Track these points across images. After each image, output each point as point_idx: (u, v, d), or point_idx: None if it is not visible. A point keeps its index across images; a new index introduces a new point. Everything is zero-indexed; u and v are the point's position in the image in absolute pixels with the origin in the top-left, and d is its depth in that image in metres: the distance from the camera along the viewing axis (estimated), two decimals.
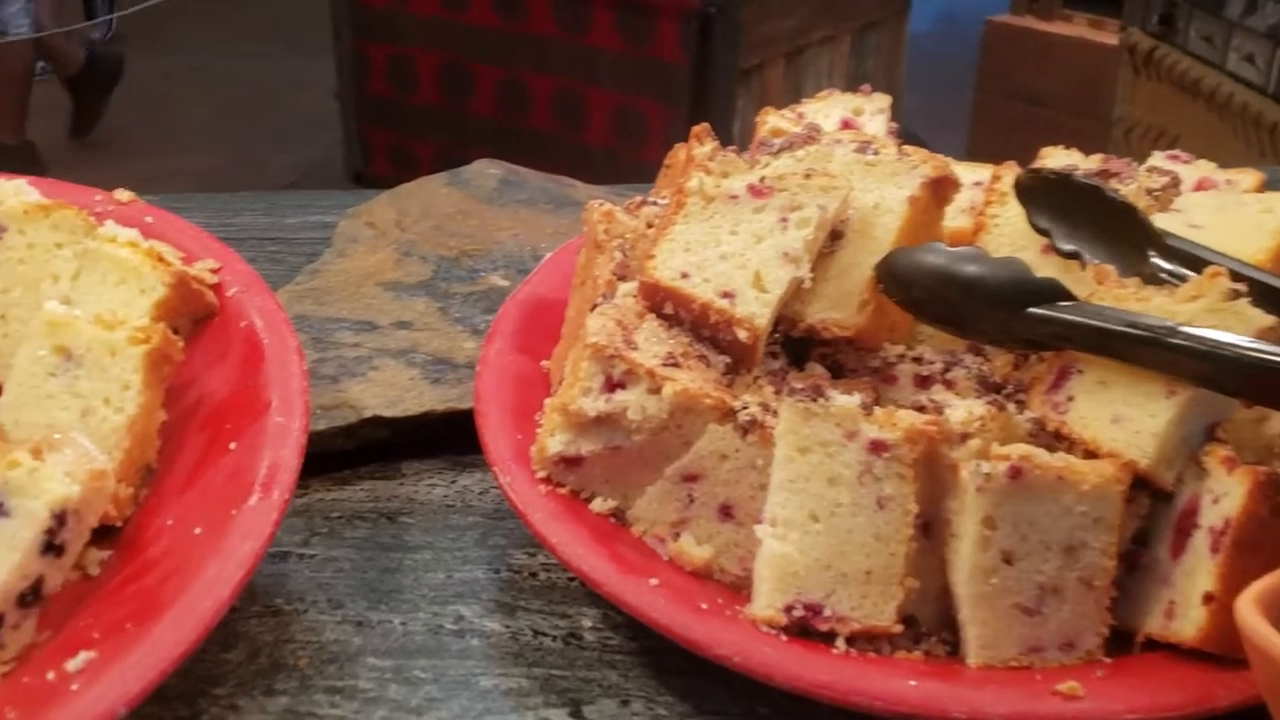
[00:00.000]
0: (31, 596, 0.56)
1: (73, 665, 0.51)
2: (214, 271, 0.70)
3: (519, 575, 0.65)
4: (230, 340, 0.68)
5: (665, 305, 0.61)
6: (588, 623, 0.62)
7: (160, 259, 0.68)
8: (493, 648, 0.60)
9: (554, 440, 0.59)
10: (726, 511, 0.58)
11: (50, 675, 0.52)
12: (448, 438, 0.74)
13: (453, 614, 0.63)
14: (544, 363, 0.70)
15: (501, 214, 0.93)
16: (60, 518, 0.57)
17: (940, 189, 0.64)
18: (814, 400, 0.54)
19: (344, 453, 0.73)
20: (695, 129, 0.69)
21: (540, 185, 0.97)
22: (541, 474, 0.60)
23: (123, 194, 0.76)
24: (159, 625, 0.51)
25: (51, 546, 0.57)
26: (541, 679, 0.58)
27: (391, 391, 0.74)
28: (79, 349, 0.63)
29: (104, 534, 0.60)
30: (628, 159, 2.83)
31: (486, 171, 0.99)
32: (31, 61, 3.46)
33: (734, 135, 2.85)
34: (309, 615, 0.62)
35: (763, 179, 0.62)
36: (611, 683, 0.58)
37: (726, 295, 0.59)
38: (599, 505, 0.60)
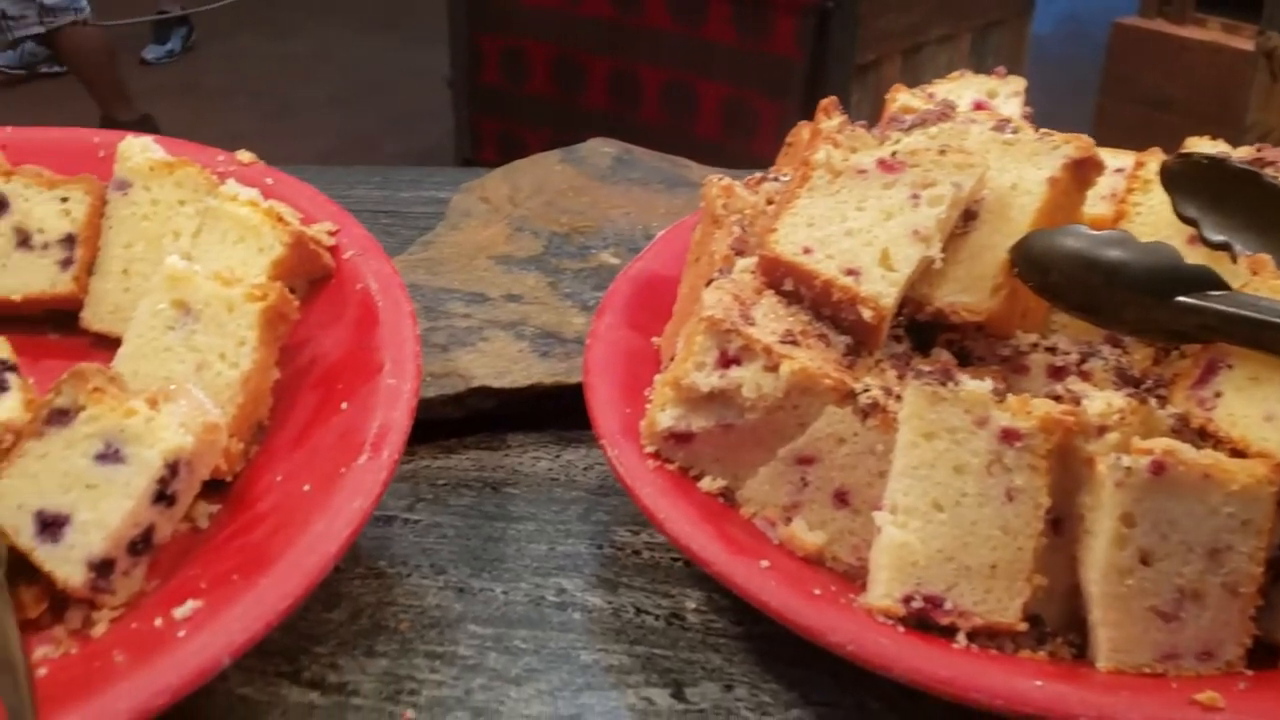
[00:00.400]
0: (142, 544, 0.57)
1: (180, 613, 0.51)
2: (331, 234, 0.70)
3: (622, 552, 0.64)
4: (345, 302, 0.68)
5: (785, 281, 0.59)
6: (691, 604, 0.60)
7: (279, 219, 0.68)
8: (594, 623, 0.59)
9: (664, 415, 0.58)
10: (841, 497, 0.56)
11: (158, 622, 0.52)
12: (553, 412, 0.74)
13: (554, 586, 0.61)
14: (655, 339, 0.68)
15: (614, 192, 0.92)
16: (173, 468, 0.57)
17: (1083, 171, 0.61)
18: (942, 384, 0.52)
19: (450, 421, 0.72)
20: (823, 102, 0.67)
21: (654, 165, 0.96)
22: (650, 449, 0.59)
23: (245, 155, 0.76)
24: (265, 578, 0.51)
25: (163, 496, 0.57)
26: (643, 657, 0.57)
27: (500, 363, 0.73)
28: (197, 304, 0.63)
29: (214, 488, 0.61)
30: (736, 152, 2.80)
31: (600, 150, 0.98)
32: (105, 37, 3.50)
33: None
34: (411, 579, 0.62)
35: (894, 154, 0.59)
36: (715, 666, 0.56)
37: (851, 273, 0.57)
38: (708, 484, 0.58)
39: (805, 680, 0.55)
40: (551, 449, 0.72)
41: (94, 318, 0.71)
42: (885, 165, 0.59)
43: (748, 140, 2.83)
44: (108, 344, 0.71)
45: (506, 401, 0.73)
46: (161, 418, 0.57)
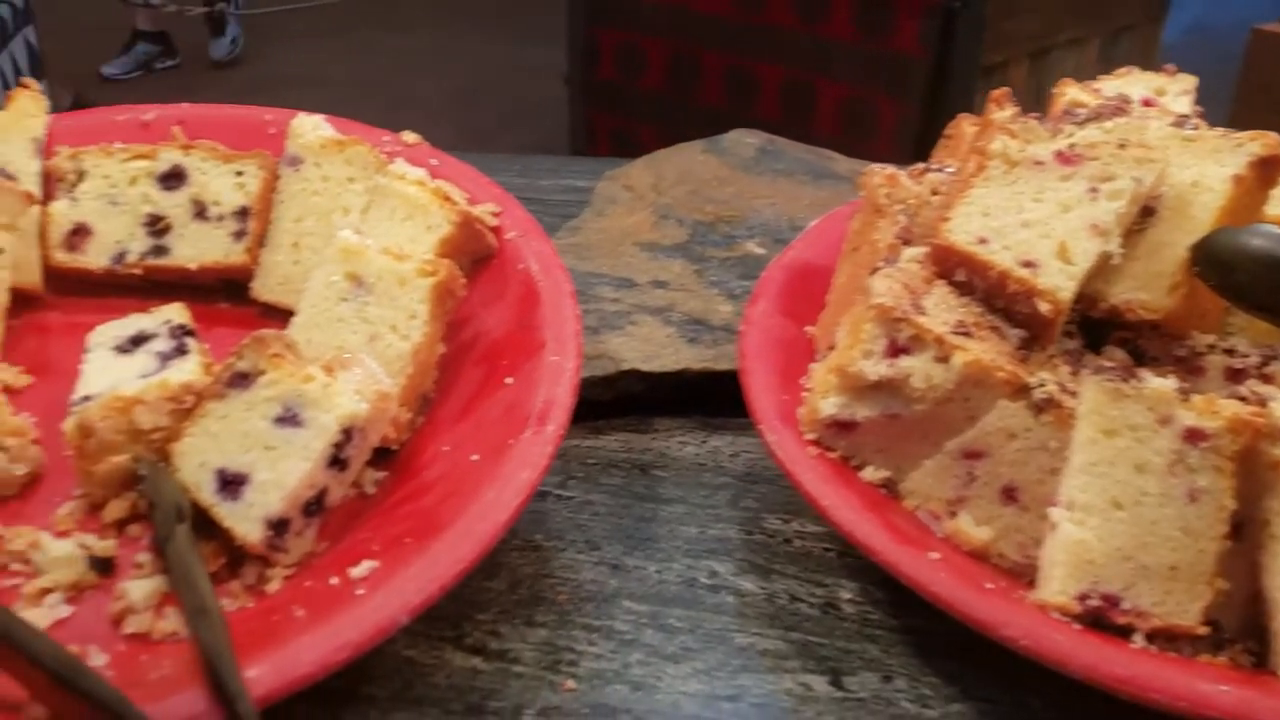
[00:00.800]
0: (315, 506, 0.59)
1: (356, 573, 0.53)
2: (494, 215, 0.72)
3: (772, 539, 0.64)
4: (507, 281, 0.69)
5: (957, 271, 0.58)
6: (846, 594, 0.60)
7: (446, 199, 0.70)
8: (748, 607, 0.59)
9: (827, 403, 0.58)
10: (1010, 494, 0.55)
11: (334, 580, 0.54)
12: (699, 397, 0.74)
13: (706, 569, 0.62)
14: (808, 328, 0.68)
15: (759, 182, 0.92)
16: (348, 433, 0.59)
17: (1269, 169, 0.59)
18: (1125, 381, 0.50)
19: (599, 402, 0.73)
20: (995, 93, 0.66)
21: (799, 156, 0.96)
22: (810, 437, 0.59)
23: (410, 136, 0.78)
24: (438, 543, 0.53)
25: (337, 460, 0.59)
26: (799, 644, 0.57)
27: (649, 347, 0.74)
28: (370, 277, 0.65)
29: (381, 456, 0.62)
30: (854, 152, 2.77)
31: (744, 140, 0.98)
32: None
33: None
34: (567, 554, 0.63)
35: (1072, 146, 0.58)
36: (872, 656, 0.56)
37: (1028, 265, 0.56)
38: (870, 474, 0.58)
39: (964, 674, 0.55)
40: (697, 434, 0.73)
41: (263, 288, 0.74)
42: (1063, 157, 0.58)
43: (867, 140, 2.80)
44: (275, 313, 0.74)
45: (655, 385, 0.73)
46: (337, 384, 0.59)
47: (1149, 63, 3.21)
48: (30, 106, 0.74)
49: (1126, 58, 3.05)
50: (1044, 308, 0.55)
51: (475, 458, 0.58)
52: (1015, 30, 2.78)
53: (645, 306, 0.78)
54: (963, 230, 0.58)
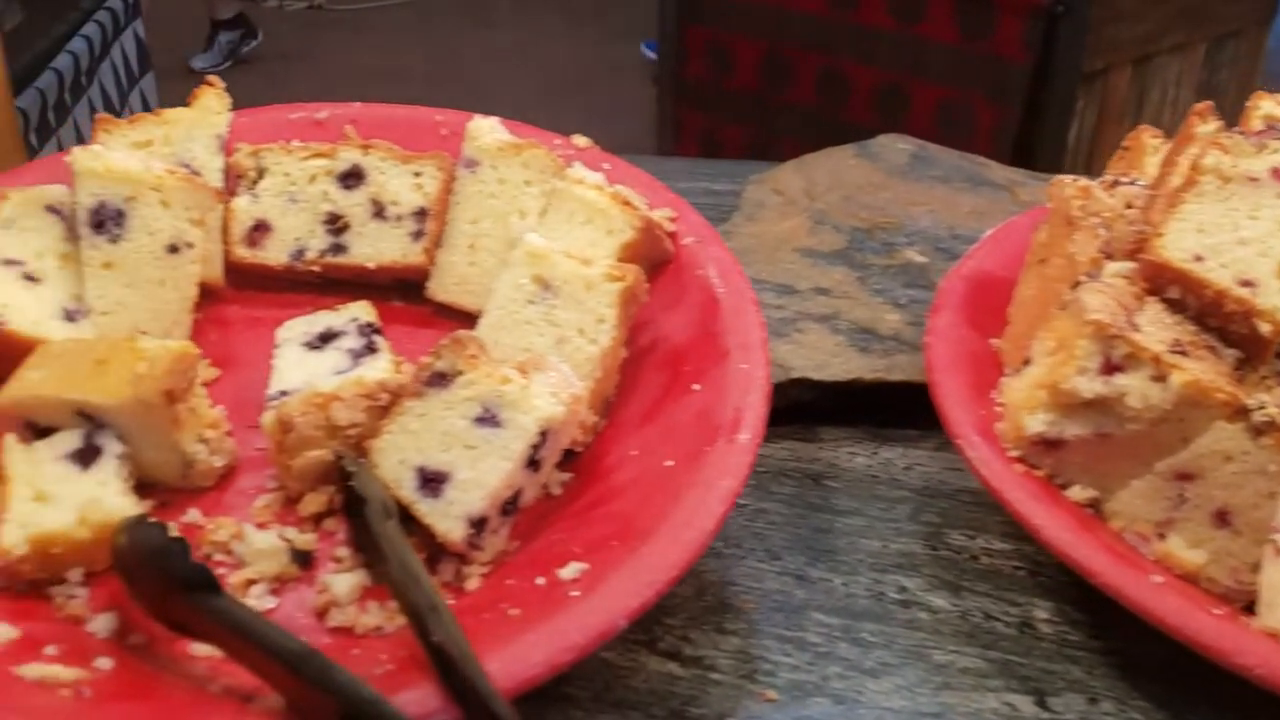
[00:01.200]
0: (511, 506, 0.60)
1: (565, 574, 0.53)
2: (671, 220, 0.72)
3: (959, 555, 0.63)
4: (686, 287, 0.69)
5: (1170, 289, 0.57)
6: (1041, 614, 0.59)
7: (626, 203, 0.70)
8: (942, 624, 0.59)
9: (1035, 419, 0.57)
10: (1222, 517, 0.54)
11: (540, 580, 0.54)
12: (866, 407, 0.74)
13: (894, 583, 0.61)
14: (993, 340, 0.68)
15: (914, 189, 0.91)
16: (544, 435, 0.59)
17: None
18: None
19: None
20: (1198, 106, 0.65)
21: (954, 163, 0.95)
22: (1013, 454, 0.58)
23: (580, 140, 0.79)
24: (647, 547, 0.53)
25: (533, 461, 0.60)
26: (999, 663, 0.56)
27: (818, 355, 0.74)
28: (557, 280, 0.66)
29: (564, 457, 0.63)
30: None
31: (895, 146, 0.97)
32: None
33: (1069, 139, 2.72)
34: (748, 562, 0.63)
35: None
36: (1075, 678, 0.55)
37: (1246, 284, 0.55)
38: (1075, 494, 0.57)
39: (1175, 699, 0.54)
40: (867, 445, 0.72)
41: (439, 288, 0.75)
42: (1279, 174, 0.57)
43: (963, 144, 2.76)
44: (448, 313, 0.75)
45: (825, 394, 0.73)
46: (534, 387, 0.60)
47: (1254, 68, 3.14)
48: (214, 104, 0.75)
49: (1232, 63, 2.98)
50: (1264, 329, 0.54)
51: (669, 464, 0.59)
52: (1119, 35, 2.72)
53: (810, 314, 0.77)
54: (1177, 247, 0.57)
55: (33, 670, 0.49)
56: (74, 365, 0.61)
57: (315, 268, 0.75)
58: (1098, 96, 2.73)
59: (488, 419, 0.59)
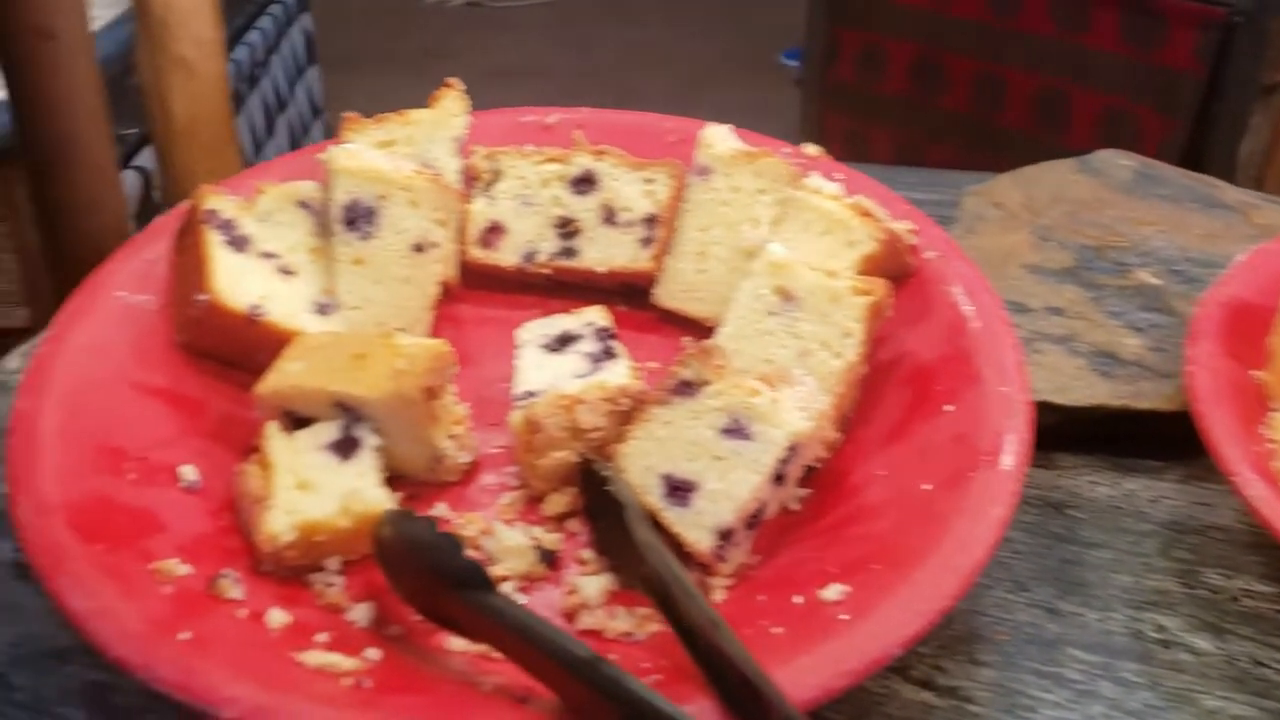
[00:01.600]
0: (755, 519, 0.59)
1: (827, 595, 0.53)
2: (912, 233, 0.70)
3: (1216, 596, 0.61)
4: (930, 303, 0.68)
5: None
6: None
7: (867, 214, 0.69)
8: (1208, 667, 0.56)
9: None
10: None
11: (798, 599, 0.54)
12: (1107, 435, 0.71)
13: (1151, 621, 0.59)
14: (1254, 372, 0.65)
15: (1141, 207, 0.88)
16: (793, 449, 0.59)
17: None
18: None
19: None
20: None
21: (1183, 182, 0.91)
22: None
23: (811, 148, 0.78)
24: (919, 573, 0.52)
25: (779, 476, 0.59)
26: (1273, 713, 0.54)
27: (1059, 378, 0.71)
28: (800, 292, 0.65)
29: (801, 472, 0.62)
30: None
31: (1118, 162, 0.94)
32: None
33: (1240, 154, 2.60)
34: (995, 591, 0.61)
35: None
36: None
37: None
38: None
39: None
40: (1108, 475, 0.69)
41: (666, 295, 0.75)
42: None
43: None
44: (674, 320, 0.75)
45: (1065, 419, 0.70)
46: (784, 400, 0.59)
47: None
48: (454, 106, 0.77)
49: None
50: None
51: (927, 487, 0.57)
52: None
53: (1045, 334, 0.75)
54: None
55: (313, 658, 0.50)
56: (333, 358, 0.62)
57: (545, 270, 0.76)
58: (1274, 111, 2.61)
59: (736, 430, 0.59)
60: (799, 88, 3.56)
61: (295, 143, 2.46)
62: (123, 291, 0.66)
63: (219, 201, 0.67)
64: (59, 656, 0.56)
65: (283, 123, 2.40)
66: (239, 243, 0.67)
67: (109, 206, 0.69)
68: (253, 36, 2.30)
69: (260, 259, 0.68)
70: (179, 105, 0.94)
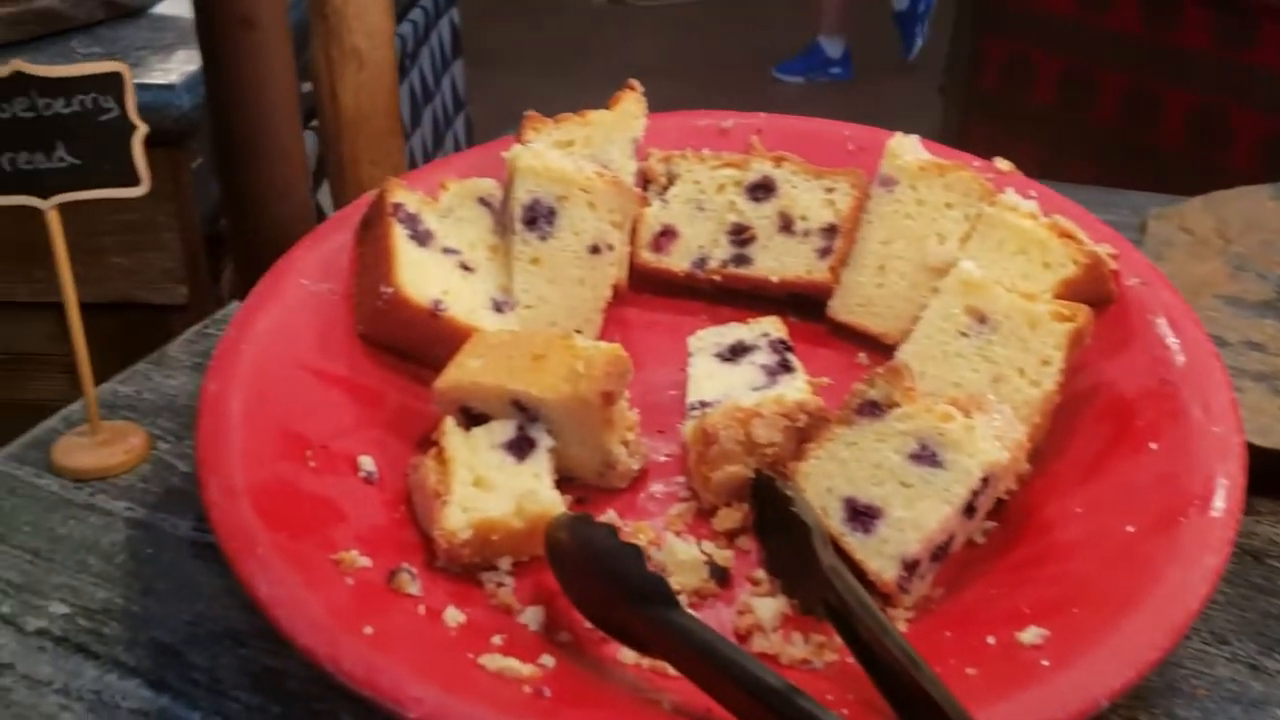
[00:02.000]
0: (942, 551, 0.57)
1: (1025, 638, 0.50)
2: (1112, 257, 0.67)
3: None
4: (1131, 332, 0.64)
5: None
6: None
7: (1068, 235, 0.66)
8: None
9: None
10: None
11: (991, 639, 0.51)
12: None
13: None
14: None
15: None
16: (985, 481, 0.56)
17: None
18: None
19: None
20: None
21: None
22: None
23: (1003, 163, 0.75)
24: (1127, 621, 0.49)
25: (970, 507, 0.57)
26: None
27: (1260, 419, 0.67)
28: (995, 314, 0.62)
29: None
30: None
31: None
32: None
33: None
34: (1192, 643, 0.57)
35: None
36: None
37: None
38: None
39: None
40: None
41: (842, 308, 0.72)
42: None
43: None
44: (846, 334, 0.73)
45: (1267, 462, 0.66)
46: (979, 428, 0.57)
47: None
48: (633, 108, 0.76)
49: None
50: None
51: (1130, 529, 0.54)
52: None
53: (1245, 371, 0.71)
54: None
55: (492, 661, 0.50)
56: (511, 357, 0.62)
57: (716, 277, 0.74)
58: None
59: (925, 457, 0.56)
60: (941, 95, 3.48)
61: (439, 135, 2.50)
62: (306, 279, 0.67)
63: (404, 195, 0.67)
64: (234, 638, 0.57)
65: (428, 114, 2.44)
66: (422, 237, 0.67)
67: (296, 195, 0.70)
68: (404, 29, 2.34)
69: (442, 254, 0.68)
70: (348, 96, 0.96)
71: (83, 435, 0.69)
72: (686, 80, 4.12)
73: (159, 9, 1.36)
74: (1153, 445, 0.58)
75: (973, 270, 0.63)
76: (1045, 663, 0.48)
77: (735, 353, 0.67)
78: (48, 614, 0.58)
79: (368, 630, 0.49)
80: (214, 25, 0.67)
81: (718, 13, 4.83)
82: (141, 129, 0.64)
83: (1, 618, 0.58)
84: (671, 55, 4.49)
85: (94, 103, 0.64)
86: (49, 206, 0.64)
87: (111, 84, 0.63)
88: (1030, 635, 0.50)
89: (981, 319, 0.62)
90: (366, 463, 0.60)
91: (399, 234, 0.65)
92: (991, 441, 0.56)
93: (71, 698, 0.54)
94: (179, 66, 1.16)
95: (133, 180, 0.65)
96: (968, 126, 3.37)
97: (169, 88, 1.10)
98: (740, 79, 4.31)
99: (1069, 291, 0.64)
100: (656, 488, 0.64)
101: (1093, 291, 0.65)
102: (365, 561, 0.54)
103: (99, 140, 0.64)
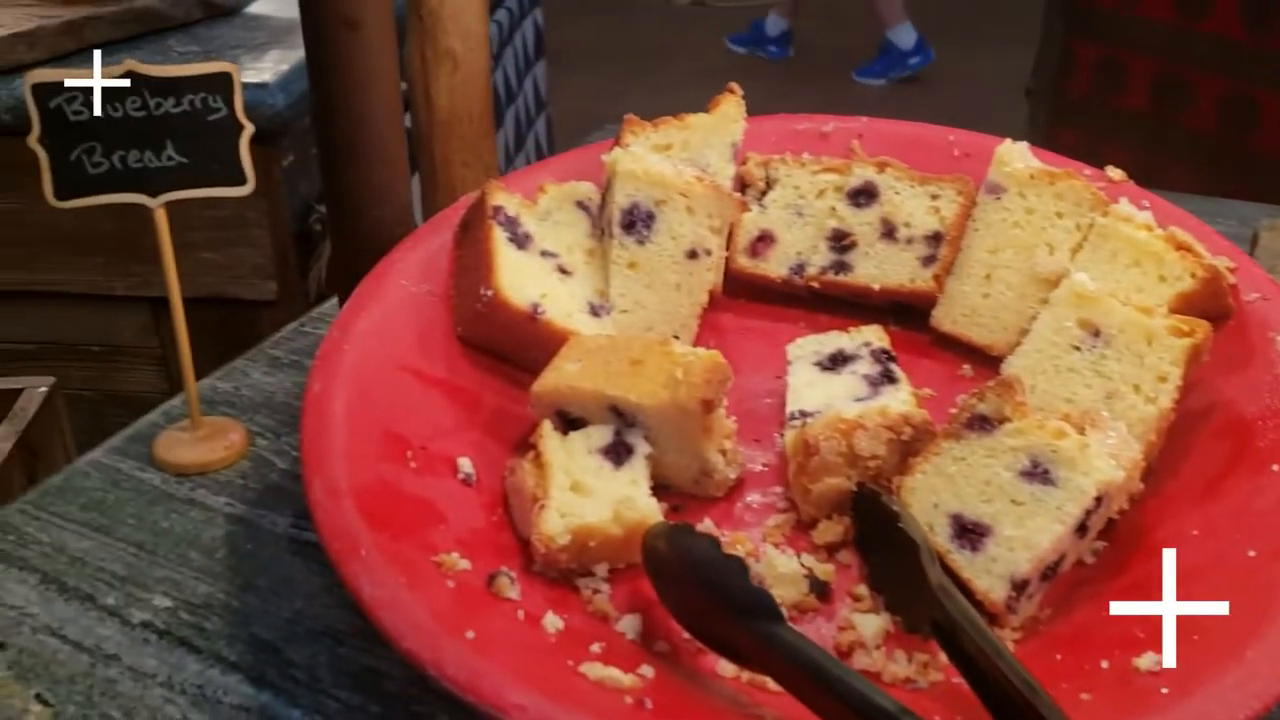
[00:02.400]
0: (1051, 571, 0.55)
1: (1142, 664, 0.48)
2: (1231, 271, 0.65)
3: None
4: (1250, 349, 0.62)
5: None
6: None
7: (1185, 248, 0.63)
8: None
9: None
10: None
11: (1104, 664, 0.49)
12: None
13: None
14: None
15: None
16: (1099, 500, 0.54)
17: None
18: None
19: None
20: None
21: None
22: None
23: (1114, 172, 0.73)
24: (1252, 650, 0.47)
25: (1083, 526, 0.55)
26: None
27: None
28: (1109, 328, 0.60)
29: None
30: None
31: None
32: None
33: None
34: None
35: None
36: None
37: None
38: None
39: None
40: None
41: (945, 318, 0.71)
42: None
43: None
44: (948, 344, 0.71)
45: None
46: (1093, 446, 0.55)
47: None
48: (733, 111, 0.75)
49: None
50: None
51: (1252, 554, 0.52)
52: None
53: None
54: None
55: (593, 670, 0.49)
56: (609, 362, 0.62)
57: (814, 284, 0.73)
58: None
59: (1036, 474, 0.55)
60: (1028, 99, 3.42)
61: (520, 135, 2.52)
62: (406, 280, 0.67)
63: (504, 198, 0.67)
64: (333, 636, 0.57)
65: (510, 115, 2.46)
66: (521, 240, 0.67)
67: (397, 197, 0.71)
68: (490, 29, 2.36)
69: (540, 257, 0.68)
70: (442, 97, 0.96)
71: (184, 430, 0.70)
72: (765, 82, 4.11)
73: (253, 8, 1.38)
74: (1275, 467, 0.55)
75: (1086, 282, 0.61)
76: (1164, 690, 0.46)
77: (836, 362, 0.66)
78: (152, 607, 0.59)
79: (470, 634, 0.48)
80: (317, 25, 0.67)
81: (805, 16, 4.80)
82: (249, 129, 0.65)
83: (107, 609, 0.59)
84: (751, 57, 4.47)
85: (203, 102, 0.65)
86: (157, 205, 0.65)
87: (221, 84, 0.64)
88: (1147, 661, 0.48)
89: (1095, 333, 0.60)
90: (465, 464, 0.60)
91: (499, 236, 0.65)
92: (1106, 459, 0.54)
93: (175, 691, 0.54)
94: (272, 65, 1.18)
95: (239, 180, 0.66)
96: (1055, 130, 3.31)
97: (262, 86, 1.12)
98: (819, 81, 4.27)
99: (1185, 306, 0.62)
100: (753, 498, 0.63)
101: (1210, 306, 0.63)
102: (465, 564, 0.54)
103: (207, 140, 0.65)
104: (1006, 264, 0.69)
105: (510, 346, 0.66)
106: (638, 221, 0.68)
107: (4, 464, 0.81)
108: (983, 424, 0.57)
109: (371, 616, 0.49)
